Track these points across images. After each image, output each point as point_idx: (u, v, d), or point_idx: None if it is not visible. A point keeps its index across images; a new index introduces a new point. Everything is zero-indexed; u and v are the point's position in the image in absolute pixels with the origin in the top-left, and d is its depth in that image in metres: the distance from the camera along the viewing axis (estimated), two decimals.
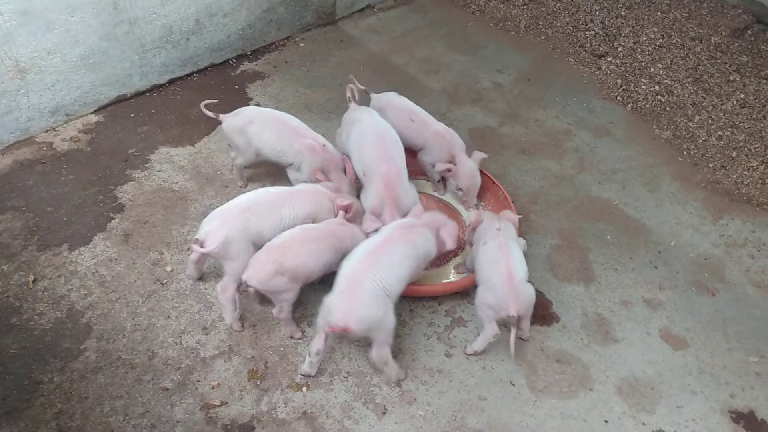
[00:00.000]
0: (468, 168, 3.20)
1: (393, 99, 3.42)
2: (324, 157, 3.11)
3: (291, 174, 3.21)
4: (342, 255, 2.65)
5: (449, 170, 3.20)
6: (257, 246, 2.62)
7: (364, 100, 3.47)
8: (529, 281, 2.70)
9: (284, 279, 2.53)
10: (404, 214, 2.85)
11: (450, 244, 2.74)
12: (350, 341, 2.74)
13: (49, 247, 3.01)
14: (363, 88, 3.48)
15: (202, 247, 2.57)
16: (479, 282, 2.71)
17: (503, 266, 2.61)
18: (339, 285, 2.44)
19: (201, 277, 2.93)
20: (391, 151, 2.99)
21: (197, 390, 2.53)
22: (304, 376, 2.61)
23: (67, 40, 3.44)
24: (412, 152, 3.36)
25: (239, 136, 3.16)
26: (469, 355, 2.75)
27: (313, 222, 2.80)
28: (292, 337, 2.75)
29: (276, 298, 2.61)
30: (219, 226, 2.58)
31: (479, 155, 3.27)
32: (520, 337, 2.80)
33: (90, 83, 3.68)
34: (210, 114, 3.23)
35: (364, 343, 2.75)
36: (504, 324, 2.66)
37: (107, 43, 3.61)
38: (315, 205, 2.85)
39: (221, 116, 3.21)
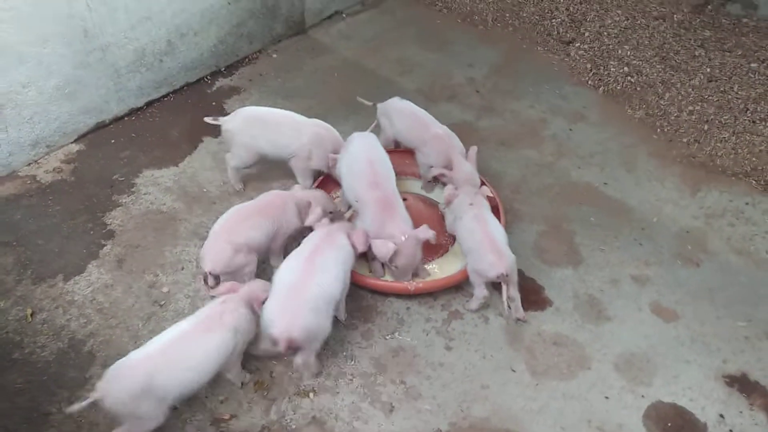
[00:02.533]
0: (464, 172, 3.21)
1: (395, 103, 3.51)
2: None
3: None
4: (283, 225, 2.88)
5: (444, 175, 3.24)
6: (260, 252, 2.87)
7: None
8: (519, 269, 2.86)
9: (242, 254, 2.72)
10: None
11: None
12: (352, 343, 2.80)
13: (44, 279, 3.02)
14: (370, 103, 3.62)
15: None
16: (465, 254, 2.93)
17: (481, 233, 2.84)
18: (278, 294, 2.51)
19: (202, 297, 2.95)
20: (381, 177, 3.00)
21: (206, 406, 2.57)
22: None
23: (40, 71, 3.44)
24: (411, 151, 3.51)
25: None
26: (467, 310, 2.97)
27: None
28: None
29: (240, 275, 2.76)
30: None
31: (474, 151, 3.29)
32: (518, 318, 2.91)
33: (68, 113, 3.68)
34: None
35: (365, 345, 2.81)
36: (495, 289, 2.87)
37: (81, 71, 3.62)
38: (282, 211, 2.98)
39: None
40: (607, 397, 2.66)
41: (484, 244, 2.79)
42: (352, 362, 2.75)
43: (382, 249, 2.78)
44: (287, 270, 2.58)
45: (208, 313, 2.43)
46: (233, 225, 2.79)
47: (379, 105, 3.57)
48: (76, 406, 2.20)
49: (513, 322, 2.92)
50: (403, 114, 3.45)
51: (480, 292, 2.86)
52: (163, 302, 2.95)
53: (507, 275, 2.73)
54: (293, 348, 2.45)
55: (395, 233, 2.82)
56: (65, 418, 2.50)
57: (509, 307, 2.85)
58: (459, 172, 3.20)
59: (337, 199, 3.37)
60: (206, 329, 2.36)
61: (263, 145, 3.29)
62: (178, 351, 2.30)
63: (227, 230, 2.77)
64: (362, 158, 3.07)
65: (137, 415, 2.25)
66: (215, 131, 3.90)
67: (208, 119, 3.38)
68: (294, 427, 2.51)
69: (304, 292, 2.47)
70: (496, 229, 2.89)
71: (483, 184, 3.31)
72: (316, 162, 3.32)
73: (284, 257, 2.74)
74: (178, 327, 2.37)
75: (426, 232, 2.83)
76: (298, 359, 2.54)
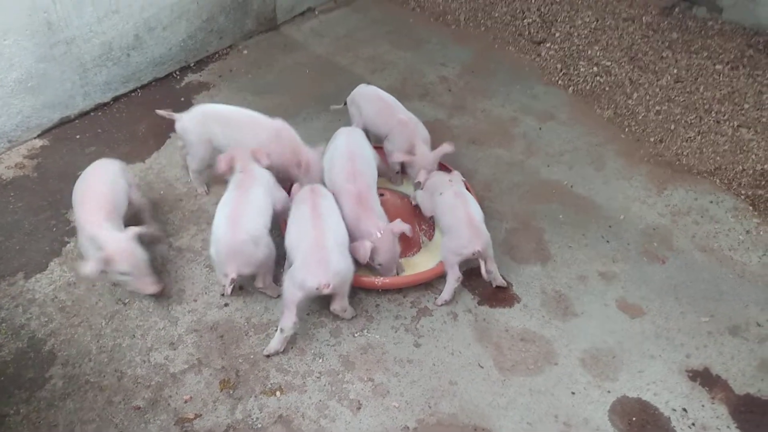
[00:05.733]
0: (426, 160, 3.25)
1: (362, 89, 3.56)
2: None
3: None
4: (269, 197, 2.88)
5: (405, 163, 3.27)
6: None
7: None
8: None
9: (261, 245, 2.68)
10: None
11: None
12: (320, 341, 2.78)
13: (3, 277, 2.94)
14: (341, 105, 3.67)
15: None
16: (443, 231, 3.01)
17: (462, 211, 2.93)
18: (303, 256, 2.59)
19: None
20: (359, 171, 3.03)
21: (170, 405, 2.52)
22: (269, 356, 2.69)
23: (1, 64, 3.35)
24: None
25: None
26: (439, 305, 2.96)
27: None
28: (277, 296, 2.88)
29: (263, 269, 2.76)
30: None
31: (444, 149, 3.26)
32: (497, 286, 3.01)
33: (31, 107, 3.60)
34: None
35: (334, 342, 2.79)
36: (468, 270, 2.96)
37: (45, 64, 3.54)
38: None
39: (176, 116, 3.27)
40: (573, 393, 2.68)
41: (463, 222, 2.88)
42: (320, 360, 2.73)
43: (360, 250, 2.80)
44: (299, 232, 2.71)
45: (238, 182, 2.85)
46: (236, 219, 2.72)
47: (350, 96, 3.58)
48: None
49: (481, 318, 2.93)
50: (369, 99, 3.48)
51: (453, 275, 2.89)
52: (127, 300, 2.89)
53: (482, 252, 2.83)
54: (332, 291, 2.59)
55: (371, 230, 2.84)
56: (23, 420, 2.44)
57: (487, 274, 2.93)
58: (421, 158, 3.25)
59: None
60: (246, 190, 2.79)
61: (221, 141, 3.21)
62: (244, 209, 2.73)
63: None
64: (344, 152, 3.10)
65: (260, 262, 2.70)
66: None
67: (161, 112, 3.33)
68: (260, 426, 2.49)
69: (323, 242, 2.61)
70: (475, 207, 2.99)
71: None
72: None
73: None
74: (224, 202, 2.79)
75: (400, 226, 2.87)
76: (336, 306, 2.73)
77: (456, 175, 3.21)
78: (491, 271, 2.95)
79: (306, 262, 2.57)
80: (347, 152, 3.10)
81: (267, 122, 3.23)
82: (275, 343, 2.68)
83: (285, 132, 3.20)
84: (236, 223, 2.66)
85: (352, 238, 2.87)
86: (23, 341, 2.70)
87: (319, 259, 2.56)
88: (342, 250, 2.68)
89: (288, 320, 2.61)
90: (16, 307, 2.83)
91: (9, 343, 2.69)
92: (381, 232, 2.83)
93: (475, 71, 4.60)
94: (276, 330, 2.68)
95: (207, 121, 3.19)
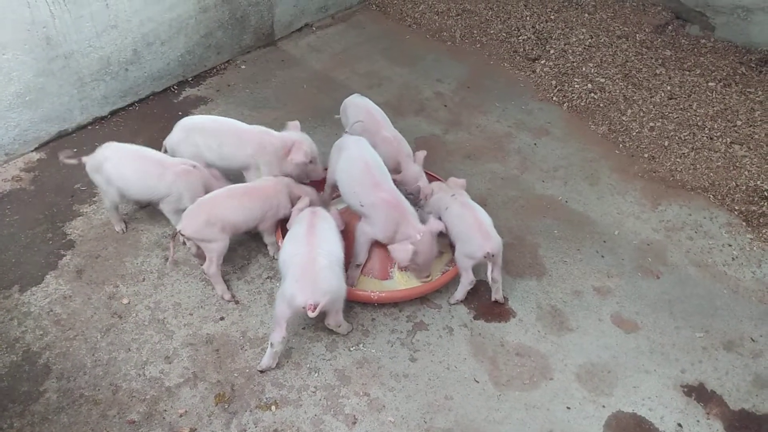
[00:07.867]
0: (412, 173, 3.28)
1: (354, 99, 3.59)
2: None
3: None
4: (270, 211, 3.02)
5: (394, 180, 3.27)
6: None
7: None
8: (482, 279, 2.93)
9: (215, 229, 2.83)
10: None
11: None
12: (315, 355, 2.78)
13: None
14: (338, 116, 3.68)
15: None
16: (454, 240, 3.02)
17: (471, 218, 2.96)
18: (294, 272, 2.59)
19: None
20: (381, 177, 3.01)
21: (165, 419, 2.51)
22: (262, 371, 2.70)
23: None
24: None
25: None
26: (452, 304, 3.05)
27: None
28: (223, 298, 2.98)
29: (207, 248, 2.87)
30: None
31: (421, 154, 3.37)
32: (495, 300, 3.02)
33: (28, 121, 3.61)
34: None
35: (329, 357, 2.79)
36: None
37: (43, 78, 3.56)
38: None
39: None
40: (568, 408, 2.68)
41: (473, 227, 2.92)
42: (316, 374, 2.72)
43: (402, 253, 2.85)
44: (293, 250, 2.70)
45: None
46: (218, 199, 2.90)
47: (342, 104, 3.63)
48: None
49: (476, 333, 2.94)
50: (358, 109, 3.50)
51: (467, 278, 2.95)
52: (122, 314, 2.89)
53: (494, 255, 2.86)
54: (320, 311, 2.54)
55: (410, 233, 2.88)
56: None
57: (492, 283, 2.99)
58: (407, 173, 3.27)
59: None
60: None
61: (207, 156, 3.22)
62: None
63: (210, 202, 2.88)
64: (359, 160, 3.05)
65: None
66: None
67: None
68: None
69: (315, 262, 2.59)
70: (482, 213, 3.01)
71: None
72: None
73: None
74: None
75: (438, 224, 2.96)
76: (330, 321, 2.75)
77: (458, 183, 3.22)
78: (496, 280, 2.97)
79: (296, 279, 2.56)
80: (362, 161, 3.04)
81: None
82: (267, 358, 2.68)
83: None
84: (220, 196, 2.95)
85: (391, 241, 2.92)
86: (18, 354, 2.69)
87: (308, 276, 2.55)
88: (334, 268, 2.65)
89: (277, 335, 2.61)
90: (11, 320, 2.82)
91: (3, 357, 2.68)
92: (420, 234, 2.87)
93: (471, 87, 4.65)
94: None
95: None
